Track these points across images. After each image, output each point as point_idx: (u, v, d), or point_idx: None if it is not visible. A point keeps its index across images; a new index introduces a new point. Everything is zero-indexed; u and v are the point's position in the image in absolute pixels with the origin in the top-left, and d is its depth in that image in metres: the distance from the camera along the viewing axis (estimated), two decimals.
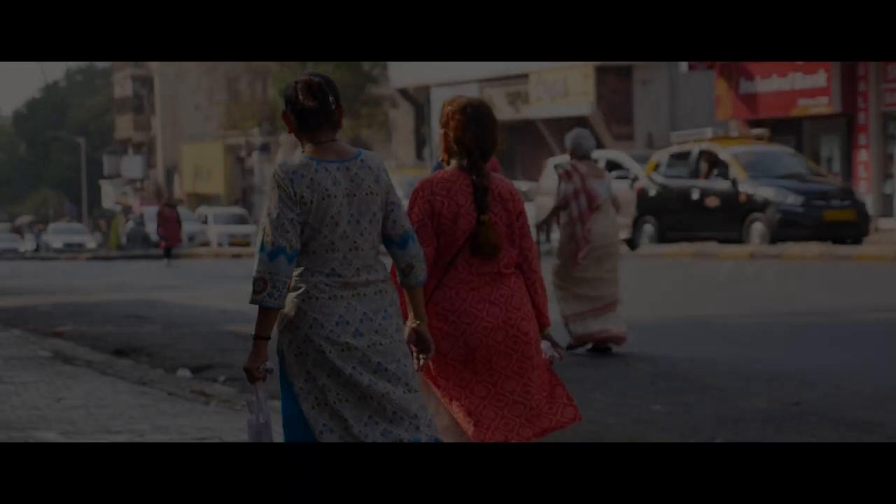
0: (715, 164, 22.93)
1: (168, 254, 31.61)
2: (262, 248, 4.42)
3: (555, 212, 10.83)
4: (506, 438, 4.87)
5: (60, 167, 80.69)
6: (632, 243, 23.55)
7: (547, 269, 10.64)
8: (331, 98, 4.52)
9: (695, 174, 23.21)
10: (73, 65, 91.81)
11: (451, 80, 37.73)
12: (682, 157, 23.72)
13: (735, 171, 22.45)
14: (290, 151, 47.44)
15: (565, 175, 10.63)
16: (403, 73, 40.41)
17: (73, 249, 53.24)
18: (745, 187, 22.21)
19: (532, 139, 36.11)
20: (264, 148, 52.47)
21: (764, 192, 22.02)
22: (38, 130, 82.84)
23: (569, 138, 10.93)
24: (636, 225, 23.95)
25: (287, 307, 4.46)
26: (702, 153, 23.20)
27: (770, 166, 22.85)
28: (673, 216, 23.34)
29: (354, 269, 4.48)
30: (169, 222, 31.53)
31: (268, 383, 4.53)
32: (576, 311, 10.56)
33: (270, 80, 49.21)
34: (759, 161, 22.88)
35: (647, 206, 23.90)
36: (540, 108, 34.91)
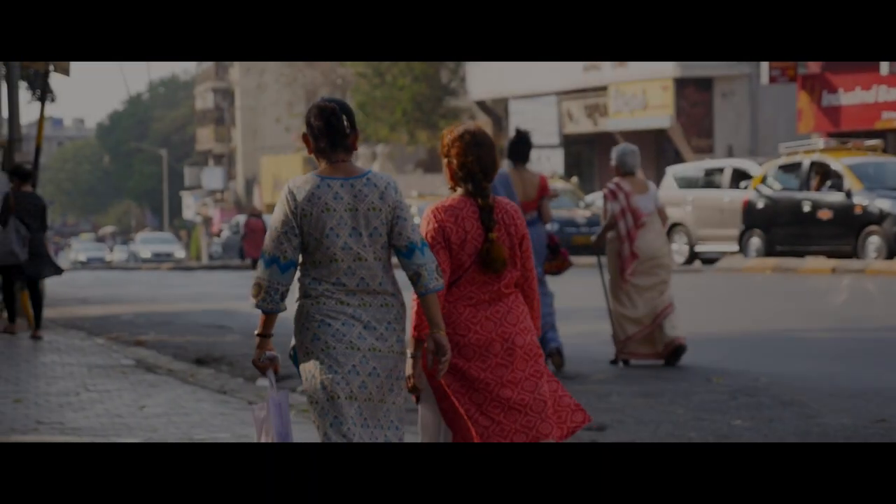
0: (827, 175, 22.07)
1: (255, 264, 31.75)
2: (263, 255, 4.86)
3: (605, 231, 11.01)
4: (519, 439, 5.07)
5: (143, 178, 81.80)
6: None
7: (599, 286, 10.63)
8: (345, 122, 4.87)
9: (805, 186, 22.35)
10: (156, 77, 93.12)
11: (529, 92, 37.73)
12: (791, 168, 22.81)
13: (849, 182, 21.57)
14: (369, 163, 47.68)
15: (610, 194, 10.84)
16: (482, 86, 40.44)
17: (161, 259, 53.41)
18: (860, 199, 21.36)
19: (610, 151, 35.98)
20: None
21: (880, 203, 21.14)
22: (121, 142, 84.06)
23: (614, 155, 11.11)
24: (742, 238, 23.18)
25: (299, 310, 4.87)
26: (813, 164, 22.32)
27: (885, 178, 21.98)
28: (782, 229, 22.51)
29: (359, 279, 4.83)
30: (255, 232, 31.66)
31: (278, 371, 4.99)
32: (628, 335, 10.81)
33: (349, 92, 49.50)
34: (874, 172, 22.02)
35: (754, 218, 23.01)
36: (619, 120, 34.75)
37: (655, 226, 10.89)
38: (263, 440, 4.96)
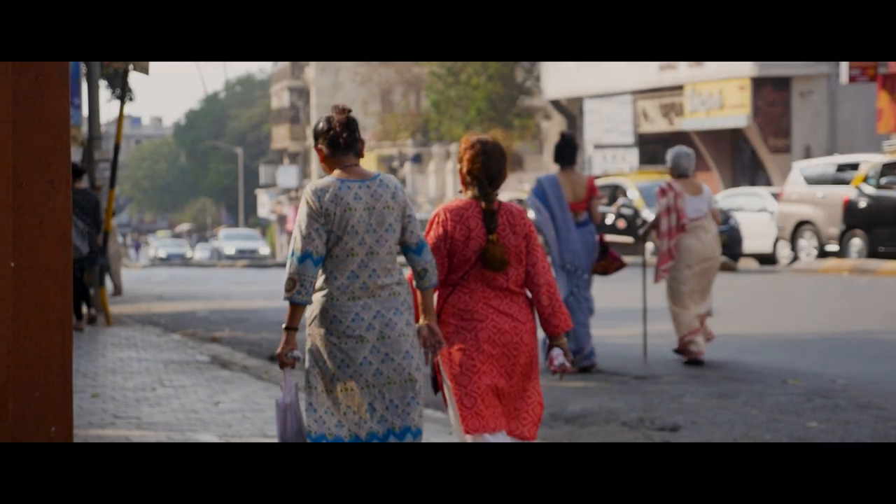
0: None
1: None
2: (293, 253, 5.22)
3: (651, 227, 11.26)
4: (496, 428, 5.44)
5: (218, 176, 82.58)
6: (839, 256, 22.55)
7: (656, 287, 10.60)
8: (357, 131, 5.39)
9: None
10: (233, 76, 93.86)
11: (604, 91, 37.60)
12: (895, 167, 21.96)
13: None
14: (443, 162, 47.78)
15: (660, 192, 11.07)
16: (556, 85, 40.37)
17: (245, 256, 53.08)
18: None
19: None
20: (416, 158, 52.92)
21: None
22: (197, 140, 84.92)
23: (669, 157, 11.31)
24: (843, 238, 22.47)
25: (313, 306, 5.26)
26: None
27: None
28: (886, 229, 21.72)
29: (371, 271, 5.25)
30: None
31: (296, 370, 5.30)
32: (691, 330, 10.97)
33: (424, 91, 49.62)
34: None
35: (855, 218, 22.25)
36: (695, 120, 34.52)
37: (711, 229, 11.05)
38: (285, 431, 5.27)
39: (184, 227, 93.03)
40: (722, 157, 35.32)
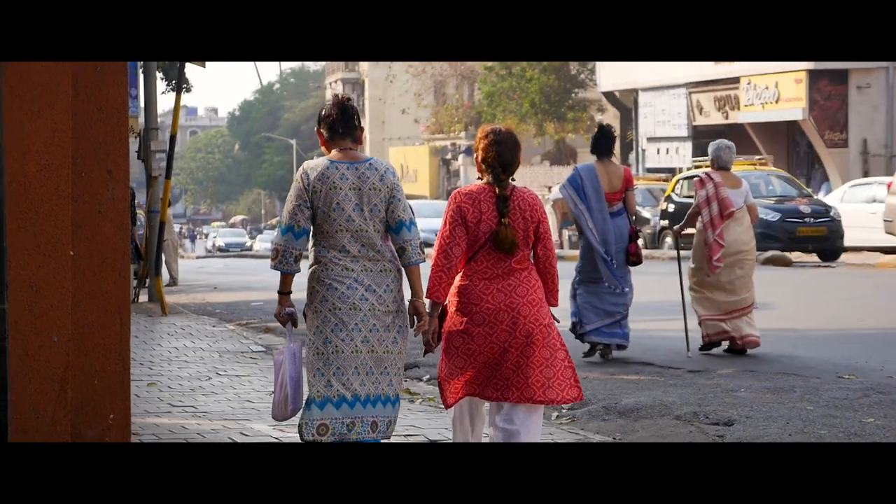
0: None
1: None
2: (279, 225, 5.77)
3: (690, 218, 11.36)
4: (494, 398, 5.91)
5: (272, 167, 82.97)
6: None
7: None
8: (356, 118, 5.86)
9: None
10: (287, 68, 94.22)
11: (658, 83, 37.39)
12: None
13: None
14: None
15: (699, 183, 11.20)
16: (611, 77, 40.20)
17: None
18: None
19: (741, 144, 35.47)
20: (469, 151, 52.89)
21: None
22: (252, 131, 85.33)
23: (711, 150, 11.48)
24: None
25: (311, 275, 5.77)
26: None
27: None
28: None
29: (359, 246, 5.73)
30: None
31: (296, 324, 5.89)
32: (710, 314, 11.05)
33: (477, 83, 49.58)
34: None
35: None
36: (750, 113, 34.26)
37: (745, 221, 11.14)
38: (278, 385, 5.85)
39: (238, 218, 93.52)
40: (778, 150, 35.01)
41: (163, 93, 17.80)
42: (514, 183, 6.02)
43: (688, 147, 36.91)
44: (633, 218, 10.99)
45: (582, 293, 10.84)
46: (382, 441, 5.85)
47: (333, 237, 5.73)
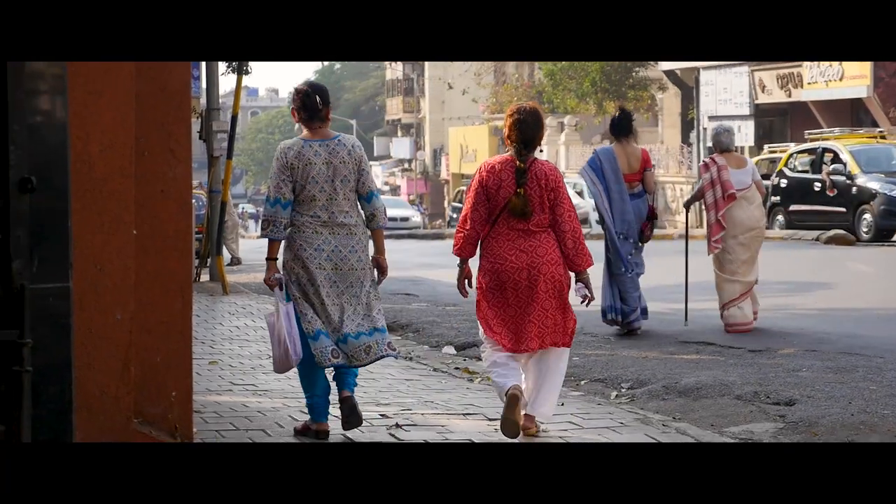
0: None
1: None
2: (267, 198, 6.70)
3: (694, 199, 11.89)
4: (531, 348, 6.71)
5: None
6: None
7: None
8: (318, 100, 6.71)
9: None
10: None
11: (720, 61, 37.05)
12: None
13: None
14: (556, 134, 47.55)
15: (704, 167, 11.51)
16: None
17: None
18: None
19: (804, 122, 35.13)
20: None
21: None
22: None
23: (711, 134, 11.90)
24: None
25: (288, 237, 6.68)
26: None
27: None
28: None
29: (330, 213, 6.64)
30: None
31: (283, 290, 6.67)
32: (732, 298, 11.21)
33: (537, 64, 49.40)
34: None
35: None
36: (813, 91, 33.90)
37: (755, 199, 11.40)
38: (276, 341, 6.60)
39: None
40: (841, 129, 34.62)
41: (223, 74, 17.89)
42: (538, 155, 6.82)
43: (750, 126, 36.59)
44: (653, 198, 11.33)
45: (620, 278, 11.10)
46: (394, 357, 6.99)
47: (308, 205, 6.65)
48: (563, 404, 7.86)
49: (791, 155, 25.76)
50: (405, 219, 49.57)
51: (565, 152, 46.36)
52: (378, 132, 75.93)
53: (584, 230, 15.28)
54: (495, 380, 6.82)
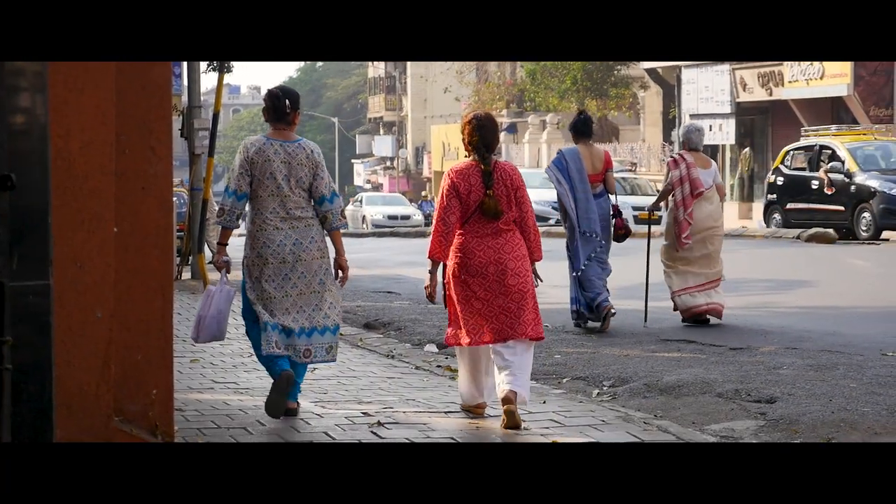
0: None
1: None
2: (227, 189, 7.13)
3: (662, 196, 12.13)
4: (492, 341, 7.08)
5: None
6: None
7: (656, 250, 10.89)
8: (287, 104, 7.20)
9: None
10: None
11: (701, 60, 37.10)
12: None
13: None
14: (538, 132, 47.61)
15: (673, 163, 11.79)
16: None
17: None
18: None
19: (784, 120, 35.23)
20: (511, 128, 52.79)
21: None
22: None
23: (681, 132, 12.17)
24: None
25: (248, 233, 7.17)
26: None
27: None
28: None
29: (287, 210, 7.11)
30: None
31: (230, 271, 7.33)
32: (682, 287, 11.58)
33: (519, 62, 49.37)
34: None
35: None
36: (794, 89, 33.98)
37: (714, 199, 11.70)
38: (206, 306, 7.20)
39: None
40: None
41: (205, 72, 17.85)
42: (495, 157, 7.22)
43: (731, 124, 36.67)
44: (615, 197, 11.58)
45: (583, 274, 11.38)
46: (329, 363, 7.50)
47: (266, 201, 7.11)
48: (544, 402, 7.87)
49: (787, 152, 25.61)
50: (406, 217, 49.31)
51: (547, 150, 46.36)
52: (360, 130, 75.88)
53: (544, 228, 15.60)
54: (462, 387, 7.50)
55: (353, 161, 75.68)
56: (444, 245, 7.11)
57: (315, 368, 8.93)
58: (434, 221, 7.18)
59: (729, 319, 11.57)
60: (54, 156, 4.72)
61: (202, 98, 17.63)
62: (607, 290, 11.42)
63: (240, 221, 7.19)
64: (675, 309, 11.67)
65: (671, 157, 11.97)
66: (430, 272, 7.21)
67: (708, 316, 11.55)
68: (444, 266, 7.23)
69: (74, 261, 5.28)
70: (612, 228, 11.48)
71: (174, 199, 6.48)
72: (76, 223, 5.28)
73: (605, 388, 8.72)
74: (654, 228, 12.83)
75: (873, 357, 9.41)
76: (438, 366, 9.71)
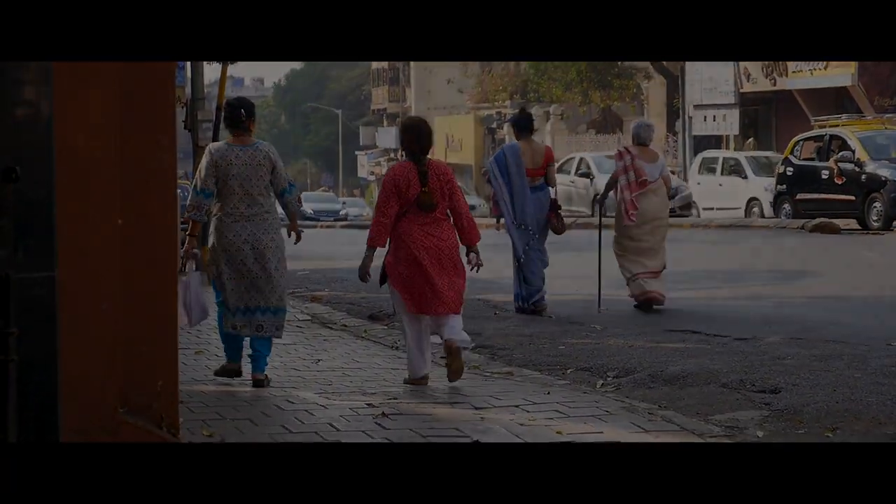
0: None
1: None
2: (195, 187, 8.29)
3: (609, 187, 12.62)
4: (433, 312, 8.22)
5: (318, 138, 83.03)
6: None
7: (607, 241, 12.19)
8: (242, 113, 8.34)
9: None
10: None
11: (703, 60, 37.00)
12: None
13: None
14: (542, 123, 47.53)
15: (618, 155, 12.49)
16: None
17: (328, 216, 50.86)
18: None
19: (789, 110, 35.21)
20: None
21: None
22: (298, 101, 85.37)
23: (632, 128, 12.74)
24: None
25: (211, 228, 8.27)
26: None
27: None
28: None
29: (246, 205, 8.21)
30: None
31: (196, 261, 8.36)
32: (636, 272, 12.11)
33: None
34: None
35: None
36: (798, 79, 33.95)
37: (661, 192, 12.27)
38: (185, 296, 8.09)
39: None
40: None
41: (208, 64, 17.83)
42: (429, 158, 8.32)
43: (735, 114, 36.64)
44: (554, 191, 12.22)
45: (525, 263, 11.95)
46: (275, 340, 8.46)
47: (228, 197, 8.21)
48: (548, 393, 7.88)
49: (797, 142, 25.46)
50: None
51: (551, 141, 46.32)
52: (363, 121, 75.80)
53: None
54: (411, 360, 8.40)
55: (356, 153, 75.64)
56: (384, 233, 8.19)
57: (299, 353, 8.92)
58: (374, 214, 8.31)
59: (734, 309, 11.57)
60: (59, 147, 4.72)
61: (206, 90, 17.63)
62: (543, 281, 11.96)
63: (207, 216, 8.26)
64: (629, 295, 12.21)
65: (617, 150, 12.64)
66: (367, 255, 8.29)
67: (653, 304, 12.09)
68: (387, 251, 8.32)
69: (79, 253, 5.29)
70: (547, 220, 12.04)
71: (178, 191, 6.48)
72: (81, 215, 5.29)
73: (609, 379, 8.73)
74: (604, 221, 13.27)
75: (878, 347, 9.41)
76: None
